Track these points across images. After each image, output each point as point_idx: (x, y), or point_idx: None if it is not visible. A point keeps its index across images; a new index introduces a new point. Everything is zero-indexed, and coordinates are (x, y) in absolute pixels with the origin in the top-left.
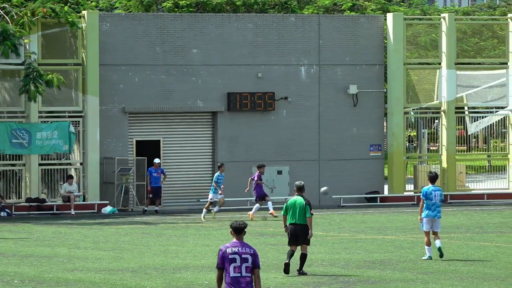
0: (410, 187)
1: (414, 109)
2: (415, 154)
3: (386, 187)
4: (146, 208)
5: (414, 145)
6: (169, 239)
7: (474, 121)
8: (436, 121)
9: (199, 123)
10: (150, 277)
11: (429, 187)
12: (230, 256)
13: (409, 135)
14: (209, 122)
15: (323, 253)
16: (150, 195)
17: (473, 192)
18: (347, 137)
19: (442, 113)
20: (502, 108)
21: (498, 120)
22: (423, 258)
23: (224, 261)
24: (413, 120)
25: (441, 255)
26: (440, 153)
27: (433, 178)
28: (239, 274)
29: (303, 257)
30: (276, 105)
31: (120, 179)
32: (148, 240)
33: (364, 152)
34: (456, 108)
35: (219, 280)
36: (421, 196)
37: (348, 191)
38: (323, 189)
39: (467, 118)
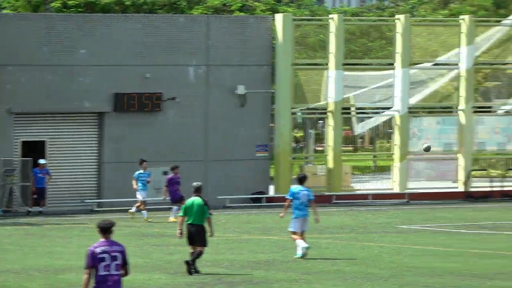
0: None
1: (301, 110)
2: (302, 155)
3: (272, 187)
4: (30, 209)
5: (301, 145)
6: (53, 240)
7: (361, 121)
8: (321, 121)
9: (85, 124)
10: (32, 278)
11: (296, 187)
12: (99, 256)
13: (295, 136)
14: (96, 123)
15: (208, 253)
16: (35, 196)
17: (358, 192)
18: (235, 137)
19: (329, 113)
20: (389, 108)
21: (385, 121)
22: (295, 257)
23: (94, 261)
24: (300, 120)
25: (304, 256)
26: (326, 153)
27: (300, 179)
28: (107, 273)
29: (199, 253)
30: (163, 105)
31: (4, 179)
32: (32, 241)
33: (251, 152)
34: (343, 108)
35: (87, 282)
36: (287, 196)
37: (235, 191)
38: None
39: (354, 119)
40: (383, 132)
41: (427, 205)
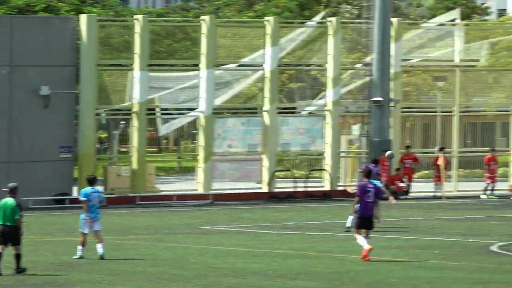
0: (100, 189)
1: (105, 111)
2: (106, 156)
3: (75, 188)
4: None
5: (105, 146)
6: None
7: (166, 122)
8: (123, 122)
9: None
10: None
11: (88, 189)
12: None
13: (99, 137)
14: None
15: (9, 255)
16: None
17: (162, 193)
18: (38, 138)
19: (133, 114)
20: (194, 109)
21: (189, 122)
22: (74, 257)
23: None
24: (104, 121)
25: (102, 257)
26: (130, 154)
27: (90, 180)
28: None
29: (17, 257)
30: None
31: None
32: None
33: (55, 153)
34: (148, 109)
35: None
36: (80, 198)
37: (38, 193)
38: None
39: (158, 120)
40: (188, 133)
41: (232, 206)
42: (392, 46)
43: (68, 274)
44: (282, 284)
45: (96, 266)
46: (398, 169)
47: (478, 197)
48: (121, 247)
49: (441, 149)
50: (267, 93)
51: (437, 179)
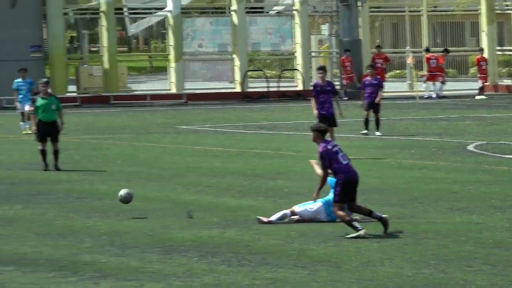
0: (73, 88)
1: (73, 10)
2: (77, 55)
3: None
4: None
5: (75, 46)
6: None
7: (134, 22)
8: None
9: None
10: None
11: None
12: None
13: (71, 37)
14: None
15: None
16: None
17: (135, 93)
18: (6, 38)
19: (101, 13)
20: (162, 9)
21: (158, 21)
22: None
23: None
24: (72, 21)
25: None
26: (101, 54)
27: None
28: None
29: (56, 153)
30: None
31: None
32: None
33: (24, 53)
34: (116, 9)
35: None
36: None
37: (9, 92)
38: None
39: (126, 19)
40: (157, 33)
41: (205, 106)
42: None
43: (48, 174)
44: (262, 184)
45: (75, 165)
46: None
47: (473, 97)
48: (98, 147)
49: (445, 51)
50: None
51: (434, 78)
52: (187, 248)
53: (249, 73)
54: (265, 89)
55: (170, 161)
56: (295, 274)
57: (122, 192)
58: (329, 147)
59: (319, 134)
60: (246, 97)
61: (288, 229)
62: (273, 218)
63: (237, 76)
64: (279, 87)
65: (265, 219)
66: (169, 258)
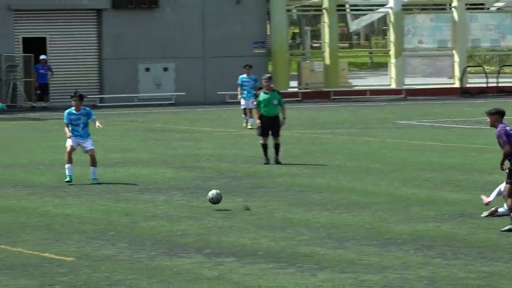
0: (294, 83)
1: (296, 7)
2: (299, 51)
3: None
4: (34, 105)
5: (297, 42)
6: (58, 135)
7: (356, 18)
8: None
9: (84, 21)
10: (40, 172)
11: None
12: None
13: (293, 33)
14: (94, 20)
15: (210, 148)
16: (38, 92)
17: (355, 88)
18: (231, 34)
19: (324, 10)
20: (383, 5)
21: (379, 18)
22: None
23: None
24: (295, 17)
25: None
26: (323, 50)
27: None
28: None
29: (277, 147)
30: (160, 2)
31: (7, 75)
32: (38, 136)
33: (247, 49)
34: (338, 5)
35: None
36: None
37: (232, 87)
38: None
39: (348, 16)
40: (379, 29)
41: (424, 101)
42: None
43: (269, 168)
44: (480, 178)
45: (296, 160)
46: None
47: None
48: (318, 141)
49: None
50: None
51: None
52: (404, 241)
53: (468, 68)
54: (484, 85)
55: (389, 156)
56: (511, 268)
57: (211, 193)
58: (508, 128)
59: (499, 117)
60: (464, 92)
61: (504, 224)
62: (491, 198)
63: (456, 72)
64: (498, 82)
65: (486, 200)
66: (386, 251)
